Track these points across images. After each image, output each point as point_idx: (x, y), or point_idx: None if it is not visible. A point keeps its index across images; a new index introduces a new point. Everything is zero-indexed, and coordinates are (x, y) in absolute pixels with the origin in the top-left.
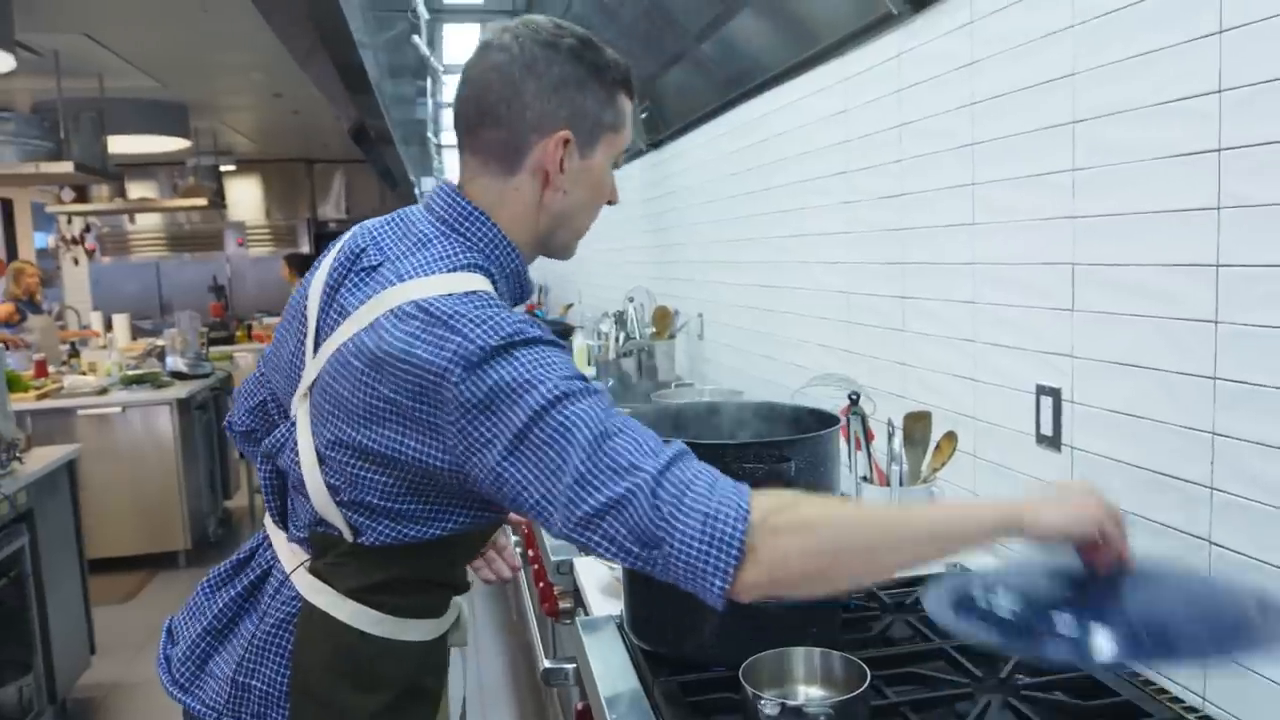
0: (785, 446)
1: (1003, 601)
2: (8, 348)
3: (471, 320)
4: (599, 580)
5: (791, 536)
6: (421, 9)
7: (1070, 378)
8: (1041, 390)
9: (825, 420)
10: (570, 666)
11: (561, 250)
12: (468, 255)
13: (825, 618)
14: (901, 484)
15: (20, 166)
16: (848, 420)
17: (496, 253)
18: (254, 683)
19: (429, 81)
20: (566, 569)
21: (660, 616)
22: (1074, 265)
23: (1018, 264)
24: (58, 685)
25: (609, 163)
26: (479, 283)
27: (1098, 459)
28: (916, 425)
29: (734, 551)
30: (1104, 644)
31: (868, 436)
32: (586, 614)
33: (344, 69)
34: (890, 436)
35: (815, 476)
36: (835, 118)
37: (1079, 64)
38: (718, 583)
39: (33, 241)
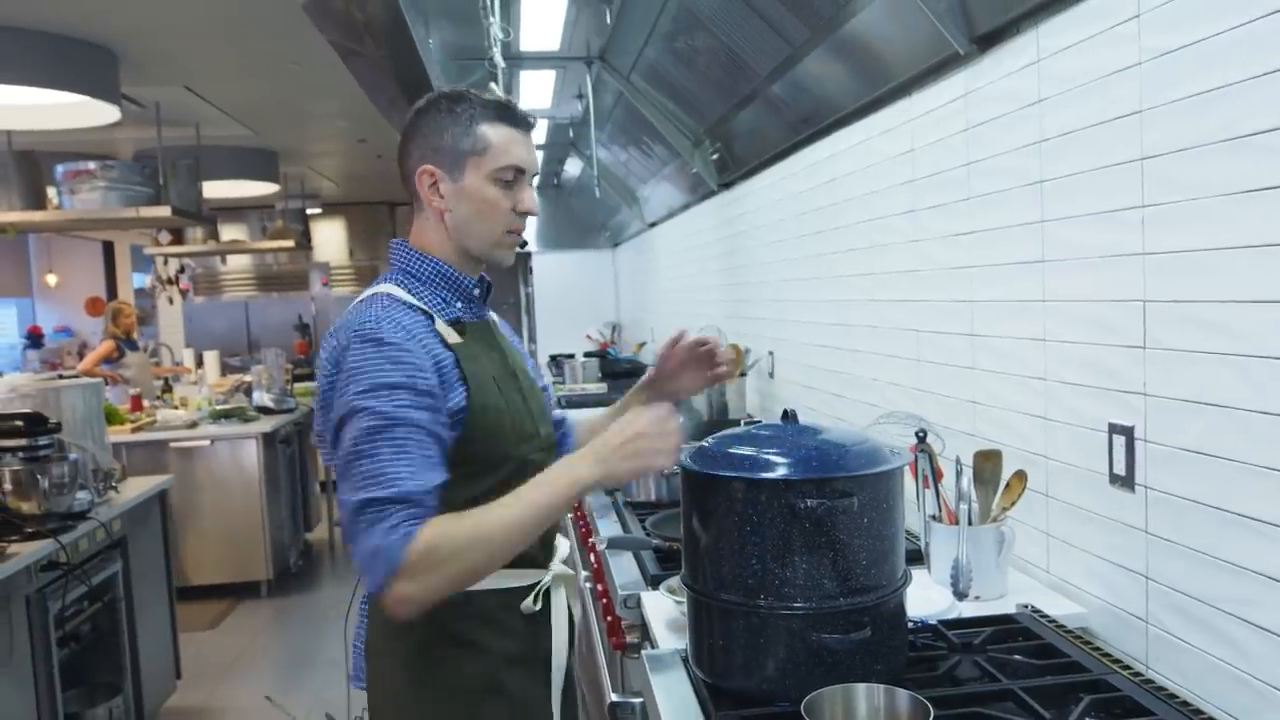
0: (847, 483)
1: (734, 450)
2: (108, 383)
3: (351, 313)
4: (665, 614)
5: (426, 570)
6: (498, 58)
7: (1144, 416)
8: (1114, 429)
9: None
10: (637, 701)
11: (486, 255)
12: (389, 276)
13: (890, 655)
14: (971, 523)
15: (122, 211)
16: (915, 458)
17: (412, 265)
18: (357, 644)
19: None
20: (634, 603)
21: (724, 651)
22: (1145, 302)
23: (1088, 301)
24: (145, 708)
25: (487, 180)
26: (385, 288)
27: (1173, 499)
28: (986, 464)
29: (379, 578)
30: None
31: (936, 474)
32: (653, 648)
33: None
34: (959, 475)
35: (878, 514)
36: (902, 157)
37: (1146, 101)
38: (372, 585)
39: (131, 282)
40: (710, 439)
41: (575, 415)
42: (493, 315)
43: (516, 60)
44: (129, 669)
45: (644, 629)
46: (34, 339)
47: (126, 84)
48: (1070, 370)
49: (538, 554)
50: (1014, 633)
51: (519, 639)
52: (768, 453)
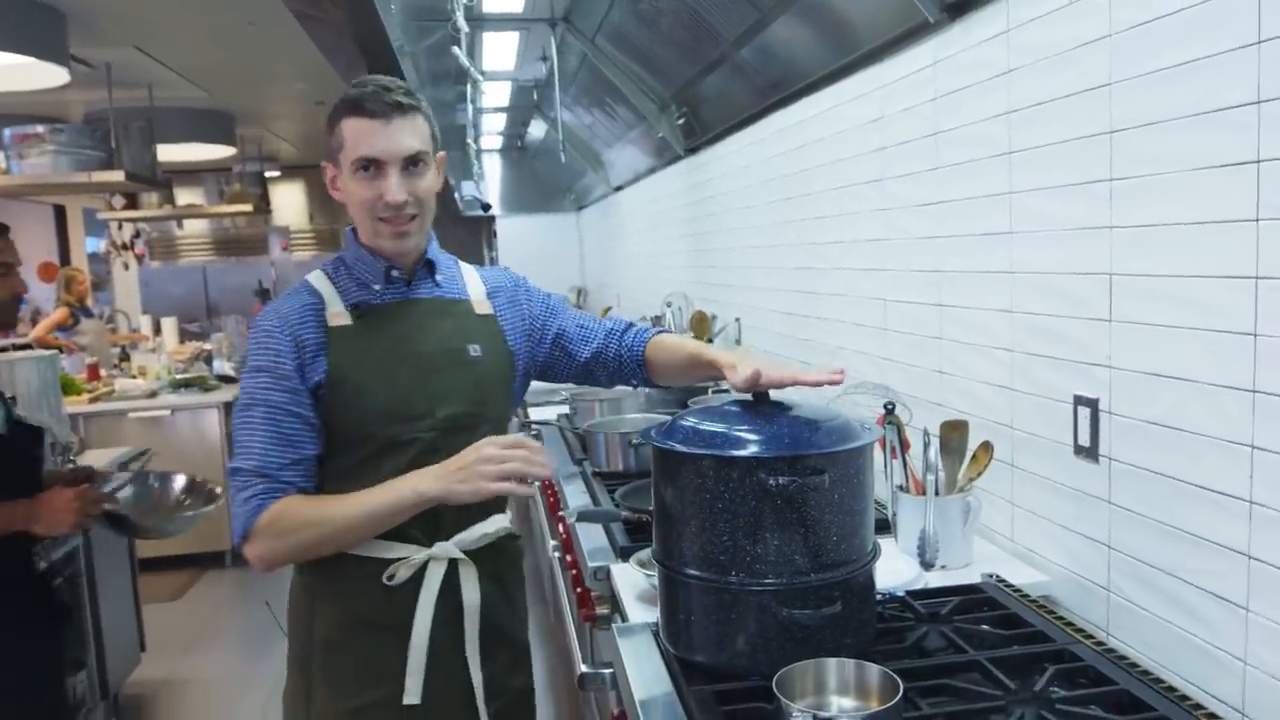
0: (818, 459)
1: (704, 427)
2: (62, 352)
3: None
4: (635, 587)
5: (268, 539)
6: (461, 21)
7: (1108, 388)
8: (1079, 400)
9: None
10: (607, 672)
11: (377, 241)
12: (326, 261)
13: (860, 628)
14: (938, 493)
15: (73, 176)
16: (884, 430)
17: (346, 250)
18: None
19: (468, 88)
20: (603, 575)
21: (695, 626)
22: (1112, 275)
23: (1055, 273)
24: (110, 681)
25: (349, 173)
26: (311, 274)
27: (1136, 470)
28: (953, 434)
29: (236, 540)
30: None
31: (904, 445)
32: (623, 620)
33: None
34: (926, 445)
35: (849, 489)
36: (871, 125)
37: (1116, 74)
38: (234, 543)
39: (84, 246)
40: (681, 414)
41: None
42: (445, 291)
43: (479, 21)
44: (92, 643)
45: (614, 601)
46: None
47: (75, 45)
48: (1036, 341)
49: (416, 532)
50: (980, 603)
51: (373, 605)
52: (739, 429)
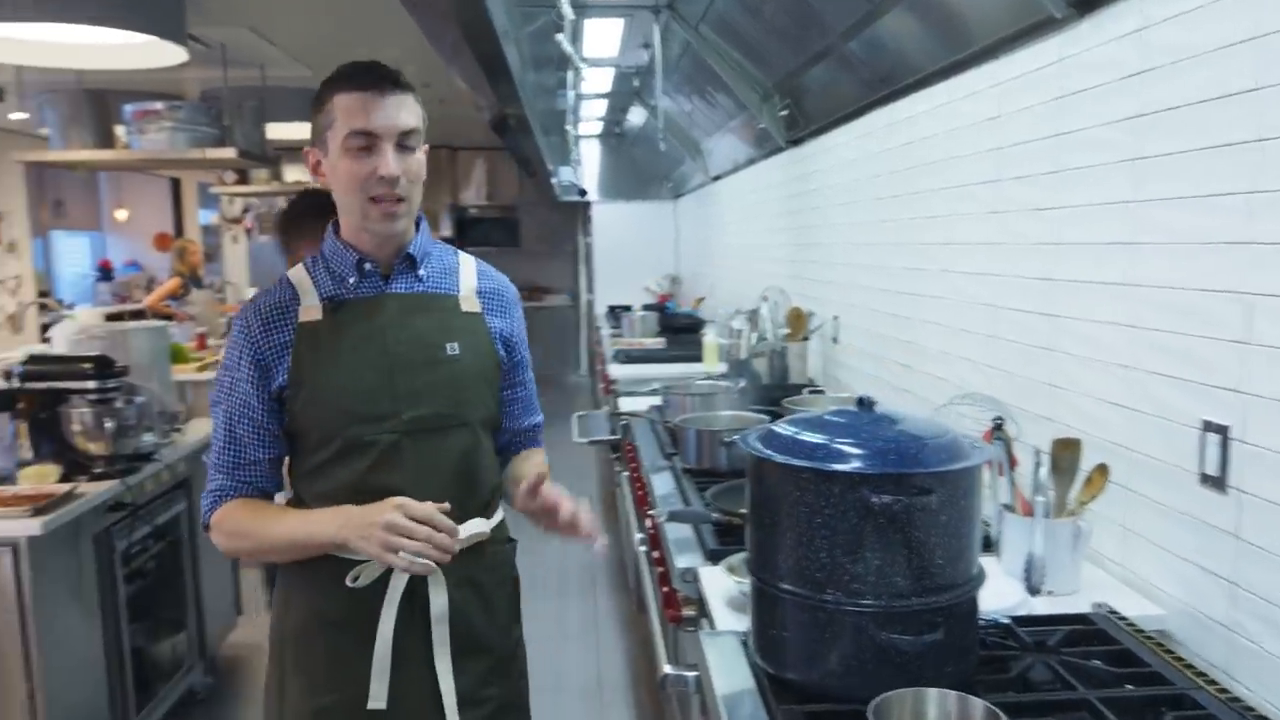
0: (925, 479)
1: (805, 437)
2: (173, 320)
3: None
4: (724, 592)
5: (219, 535)
6: (566, 8)
7: (1241, 415)
8: (1208, 426)
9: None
10: (691, 675)
11: (365, 224)
12: (309, 258)
13: (961, 656)
14: (1047, 515)
15: (189, 152)
16: (993, 448)
17: (324, 244)
18: None
19: (570, 74)
20: (691, 577)
21: (787, 641)
22: (1249, 295)
23: (1183, 289)
24: (207, 643)
25: (340, 151)
26: (292, 269)
27: (1270, 505)
28: (1065, 452)
29: (202, 527)
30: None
31: (1011, 462)
32: (711, 625)
33: (486, 62)
34: (1037, 465)
35: (956, 511)
36: (987, 123)
37: (1263, 79)
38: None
39: (197, 218)
40: (781, 422)
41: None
42: (428, 285)
43: (584, 8)
44: (192, 605)
45: (700, 604)
46: (104, 272)
47: (193, 24)
48: (1160, 360)
49: None
50: (1090, 635)
51: (339, 605)
52: (841, 442)
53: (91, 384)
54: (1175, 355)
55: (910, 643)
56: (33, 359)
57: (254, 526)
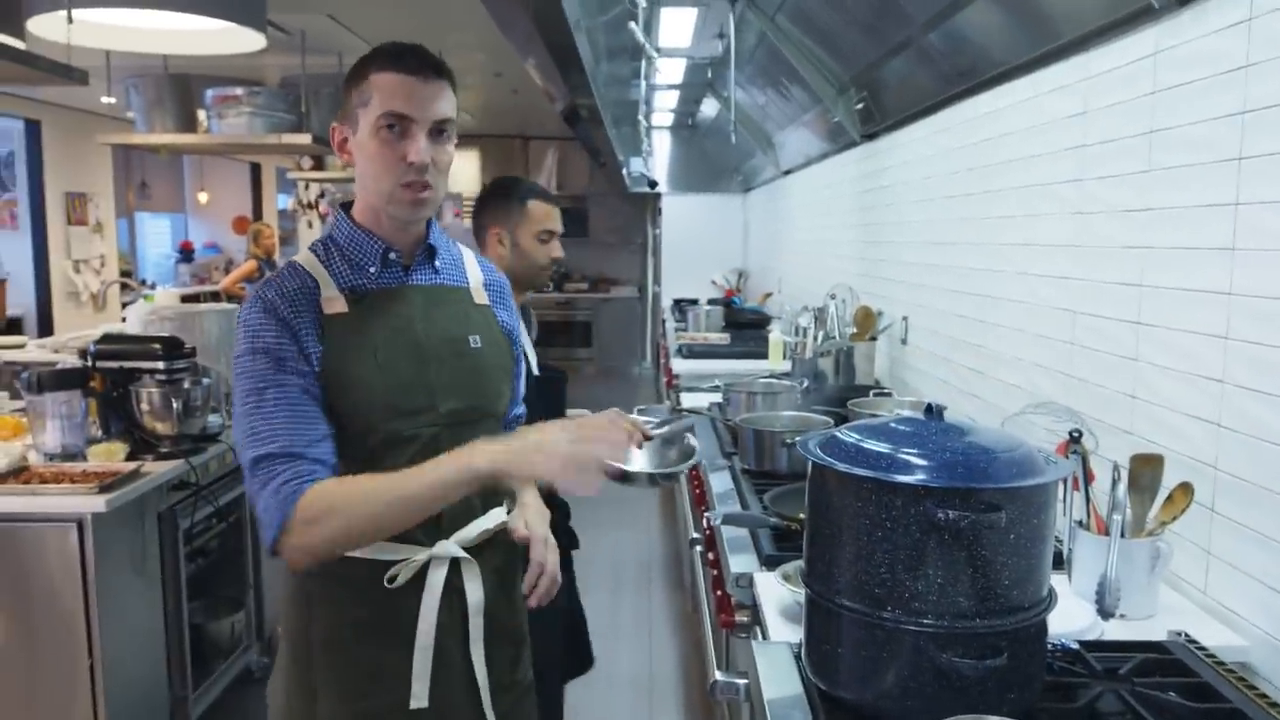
0: (995, 494)
1: (868, 445)
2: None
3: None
4: (779, 600)
5: (316, 527)
6: None
7: None
8: None
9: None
10: (741, 682)
11: (386, 211)
12: (314, 241)
13: (1025, 684)
14: (1123, 535)
15: (265, 137)
16: (1069, 463)
17: (335, 229)
18: None
19: (644, 64)
20: (746, 583)
21: (841, 658)
22: None
23: None
24: (265, 623)
25: (371, 131)
26: (298, 254)
27: None
28: (1145, 469)
29: (272, 534)
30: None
31: (1087, 477)
32: (764, 634)
33: (557, 52)
34: (1115, 481)
35: (1027, 530)
36: (1072, 120)
37: None
38: (266, 542)
39: (275, 203)
40: (844, 428)
41: None
42: (445, 278)
43: None
44: (251, 585)
45: (755, 610)
46: (185, 253)
47: (274, 11)
48: (1255, 375)
49: (416, 531)
50: (1165, 665)
51: (374, 608)
52: (906, 452)
53: (160, 364)
54: (1270, 369)
55: (971, 667)
56: (105, 338)
57: (370, 494)
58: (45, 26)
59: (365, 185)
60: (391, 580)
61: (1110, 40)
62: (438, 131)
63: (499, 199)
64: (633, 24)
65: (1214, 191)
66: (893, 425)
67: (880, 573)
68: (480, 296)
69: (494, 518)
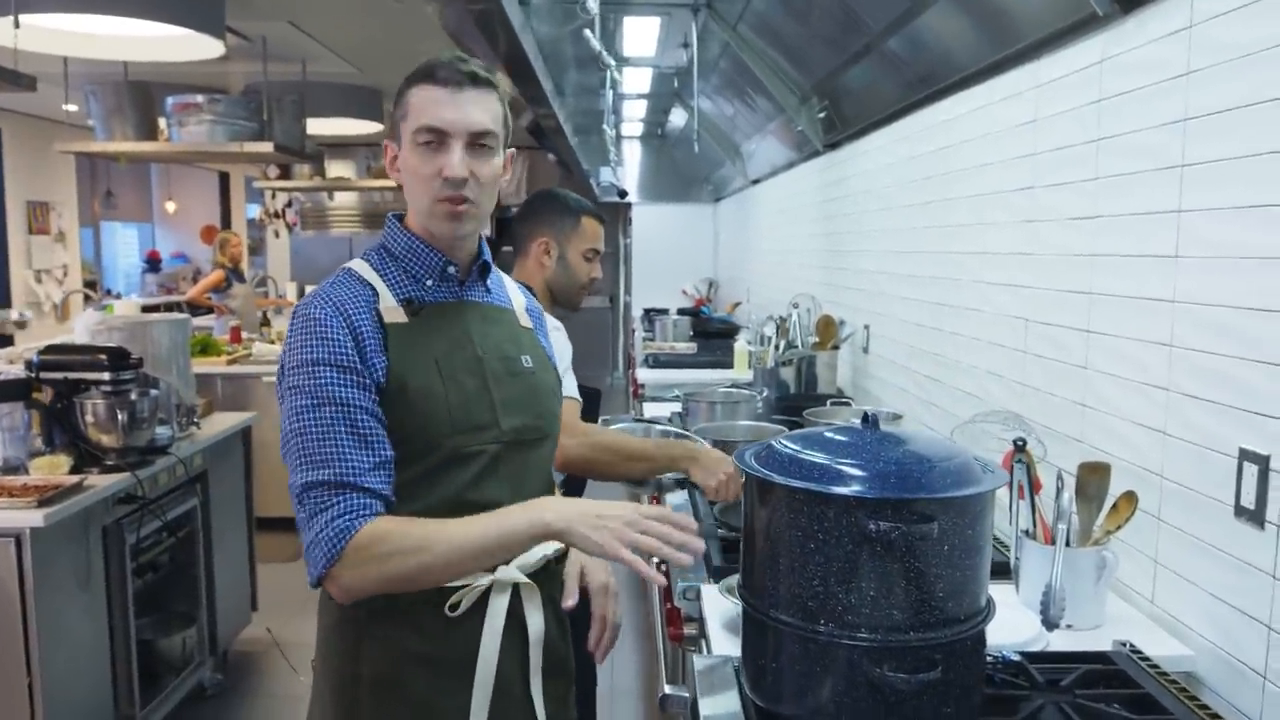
0: (927, 504)
1: (805, 455)
2: (215, 313)
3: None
4: (723, 614)
5: (366, 567)
6: (591, 3)
7: None
8: (1245, 455)
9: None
10: (689, 696)
11: (430, 224)
12: (367, 250)
13: (962, 698)
14: (1069, 543)
15: (226, 145)
16: (1011, 469)
17: (390, 239)
18: None
19: (608, 73)
20: (693, 595)
21: (775, 673)
22: None
23: (1229, 307)
24: (219, 638)
25: (409, 145)
26: (352, 263)
27: None
28: (1092, 477)
29: (318, 571)
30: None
31: (1034, 485)
32: (708, 648)
33: (511, 63)
34: (1060, 490)
35: (961, 541)
36: (1023, 127)
37: None
38: (311, 577)
39: (244, 212)
40: (782, 438)
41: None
42: (494, 298)
43: (621, 5)
44: (204, 600)
45: (701, 623)
46: (152, 263)
47: (233, 17)
48: (1198, 383)
49: None
50: (1108, 675)
51: (431, 640)
52: (842, 463)
53: (106, 375)
54: (1214, 377)
55: (905, 681)
56: (49, 349)
57: (428, 537)
58: None
59: (410, 200)
60: (454, 608)
61: (1060, 48)
62: (479, 142)
63: (553, 210)
64: (588, 32)
65: (1158, 199)
66: (830, 435)
67: (814, 585)
68: (524, 320)
69: (551, 543)
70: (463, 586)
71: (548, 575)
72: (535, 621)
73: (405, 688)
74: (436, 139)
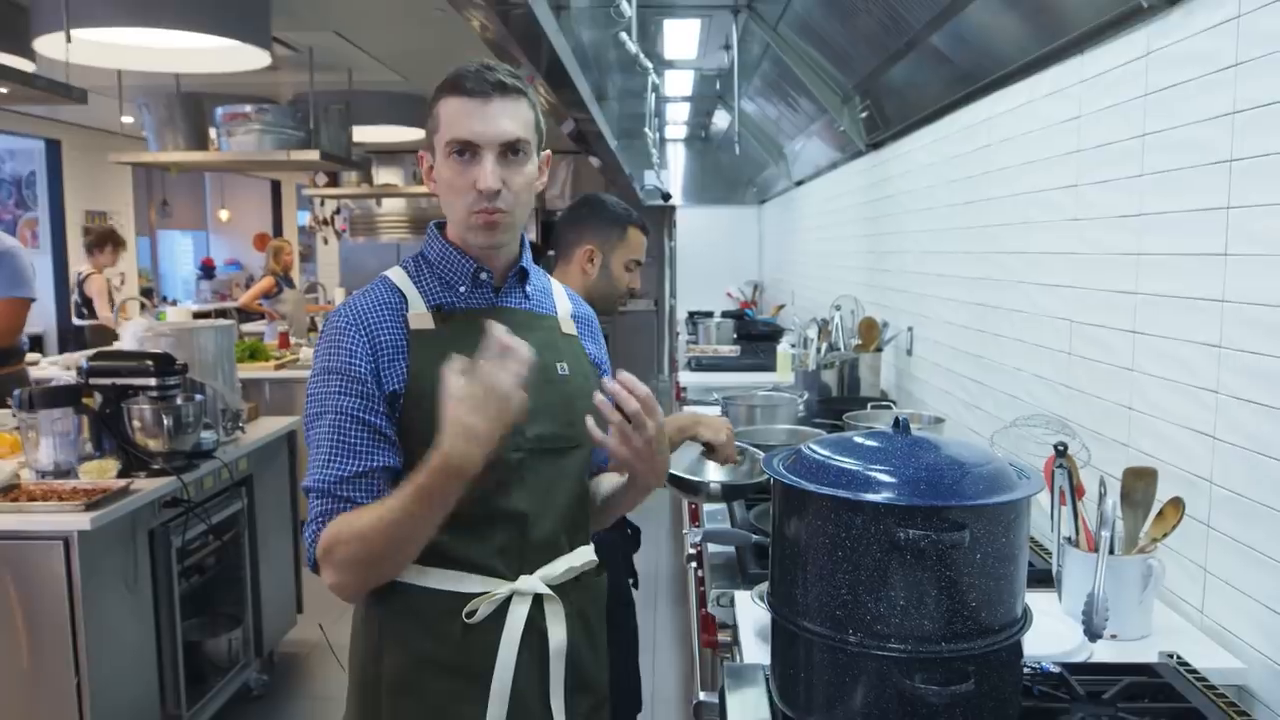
0: (959, 513)
1: (835, 461)
2: (266, 319)
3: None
4: (755, 621)
5: (337, 566)
6: (625, 6)
7: None
8: None
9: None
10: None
11: (465, 236)
12: (406, 258)
13: (998, 709)
14: (1113, 551)
15: (273, 154)
16: (1052, 476)
17: (428, 247)
18: None
19: (650, 76)
20: (727, 601)
21: (804, 682)
22: None
23: (1278, 306)
24: (265, 640)
25: (443, 158)
26: (390, 270)
27: None
28: (1138, 483)
29: (313, 568)
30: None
31: (1076, 491)
32: (740, 655)
33: (541, 65)
34: (1102, 495)
35: (994, 549)
36: (1067, 124)
37: None
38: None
39: (296, 219)
40: (811, 443)
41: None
42: (534, 304)
43: (662, 7)
44: (250, 601)
45: (735, 630)
46: (207, 270)
47: (280, 28)
48: (1250, 386)
49: (495, 562)
50: (1153, 689)
51: (448, 646)
52: (873, 469)
53: (152, 381)
54: (1266, 379)
55: (937, 693)
56: (98, 355)
57: (371, 522)
58: (49, 46)
59: (445, 211)
60: (470, 615)
61: (1103, 41)
62: (511, 151)
63: (601, 219)
64: (624, 35)
65: (1206, 195)
66: (860, 441)
67: (842, 594)
68: (568, 326)
69: (581, 555)
70: (481, 594)
71: (579, 588)
72: (556, 634)
73: (422, 692)
74: (468, 151)
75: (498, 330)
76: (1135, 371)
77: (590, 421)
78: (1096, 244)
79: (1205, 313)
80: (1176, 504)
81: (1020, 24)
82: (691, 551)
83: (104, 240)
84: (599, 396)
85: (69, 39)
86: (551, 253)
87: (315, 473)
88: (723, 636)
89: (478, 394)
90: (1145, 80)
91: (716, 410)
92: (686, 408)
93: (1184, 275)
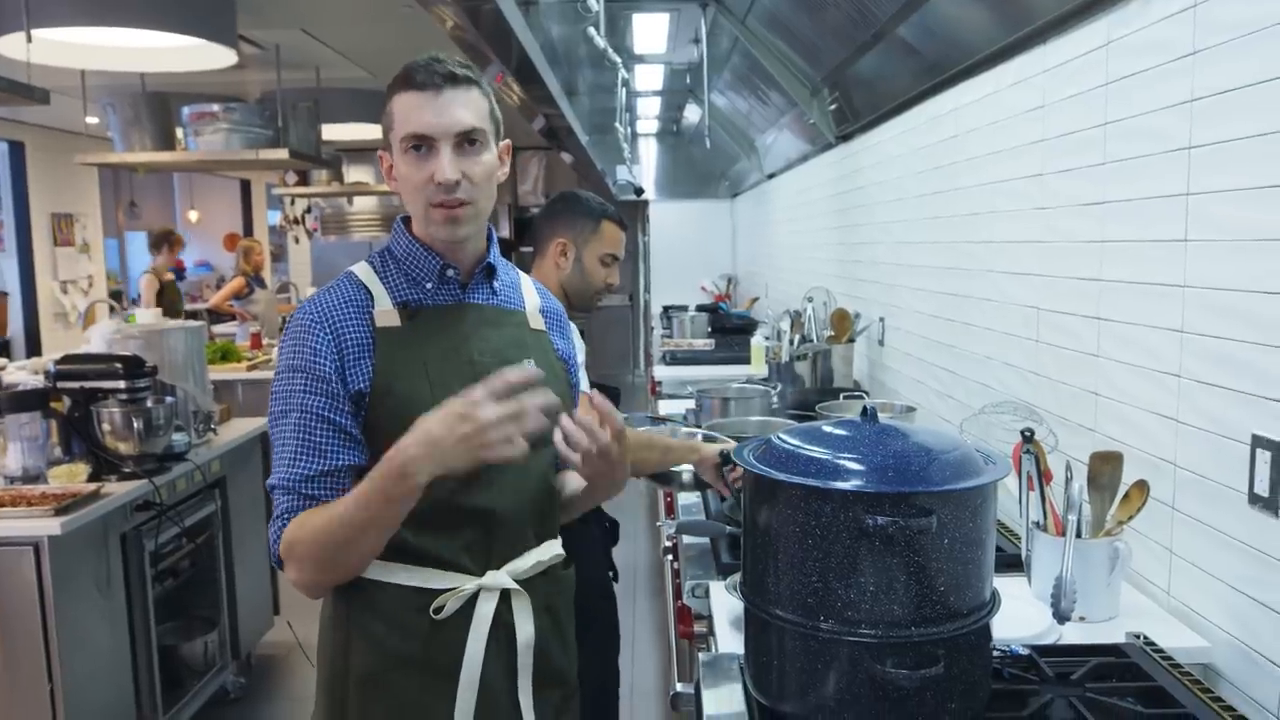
0: (926, 498)
1: (804, 450)
2: (237, 320)
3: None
4: (730, 611)
5: (299, 564)
6: (592, 1)
7: None
8: (1259, 442)
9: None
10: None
11: (428, 230)
12: (371, 253)
13: (968, 692)
14: (1080, 534)
15: (242, 153)
16: (1020, 462)
17: (393, 242)
18: None
19: (619, 70)
20: (702, 592)
21: (777, 670)
22: None
23: (1240, 290)
24: (241, 642)
25: (399, 154)
26: (355, 266)
27: None
28: (1104, 467)
29: (278, 565)
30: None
31: (1044, 476)
32: (715, 645)
33: (508, 61)
34: (1069, 479)
35: (961, 534)
36: (1032, 113)
37: None
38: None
39: (266, 219)
40: (781, 433)
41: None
42: (501, 300)
43: (630, 3)
44: (225, 604)
45: (710, 621)
46: (177, 272)
47: (245, 26)
48: (1210, 369)
49: (462, 558)
50: (1121, 668)
51: (415, 641)
52: (842, 457)
53: (121, 384)
54: (1228, 364)
55: (907, 677)
56: (66, 358)
57: (331, 520)
58: (10, 46)
59: (408, 208)
60: (438, 611)
61: (1066, 31)
62: (467, 141)
63: (574, 212)
64: (592, 30)
65: (1166, 182)
66: (829, 430)
67: (813, 582)
68: (536, 321)
69: (549, 549)
70: (448, 590)
71: (547, 581)
72: (524, 628)
73: (390, 687)
74: (424, 145)
75: (512, 371)
76: (1100, 357)
77: (558, 436)
78: (1062, 232)
79: (1167, 298)
80: (1141, 487)
81: (986, 14)
82: (667, 544)
83: (160, 241)
84: (558, 436)
85: (29, 39)
86: (527, 249)
87: (280, 471)
88: (698, 627)
89: (456, 410)
90: (1106, 69)
91: (691, 404)
92: (684, 431)
93: (1146, 261)
